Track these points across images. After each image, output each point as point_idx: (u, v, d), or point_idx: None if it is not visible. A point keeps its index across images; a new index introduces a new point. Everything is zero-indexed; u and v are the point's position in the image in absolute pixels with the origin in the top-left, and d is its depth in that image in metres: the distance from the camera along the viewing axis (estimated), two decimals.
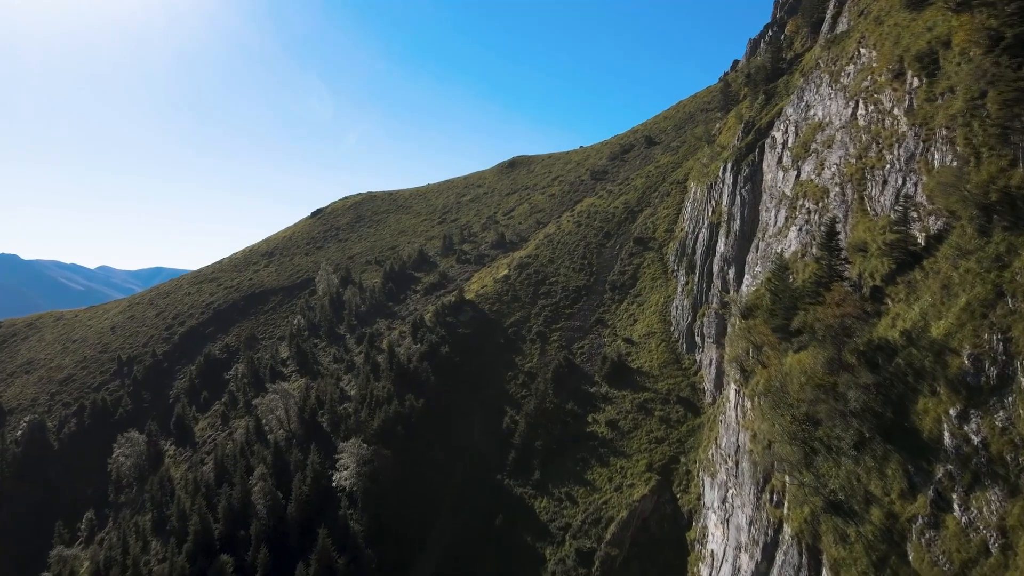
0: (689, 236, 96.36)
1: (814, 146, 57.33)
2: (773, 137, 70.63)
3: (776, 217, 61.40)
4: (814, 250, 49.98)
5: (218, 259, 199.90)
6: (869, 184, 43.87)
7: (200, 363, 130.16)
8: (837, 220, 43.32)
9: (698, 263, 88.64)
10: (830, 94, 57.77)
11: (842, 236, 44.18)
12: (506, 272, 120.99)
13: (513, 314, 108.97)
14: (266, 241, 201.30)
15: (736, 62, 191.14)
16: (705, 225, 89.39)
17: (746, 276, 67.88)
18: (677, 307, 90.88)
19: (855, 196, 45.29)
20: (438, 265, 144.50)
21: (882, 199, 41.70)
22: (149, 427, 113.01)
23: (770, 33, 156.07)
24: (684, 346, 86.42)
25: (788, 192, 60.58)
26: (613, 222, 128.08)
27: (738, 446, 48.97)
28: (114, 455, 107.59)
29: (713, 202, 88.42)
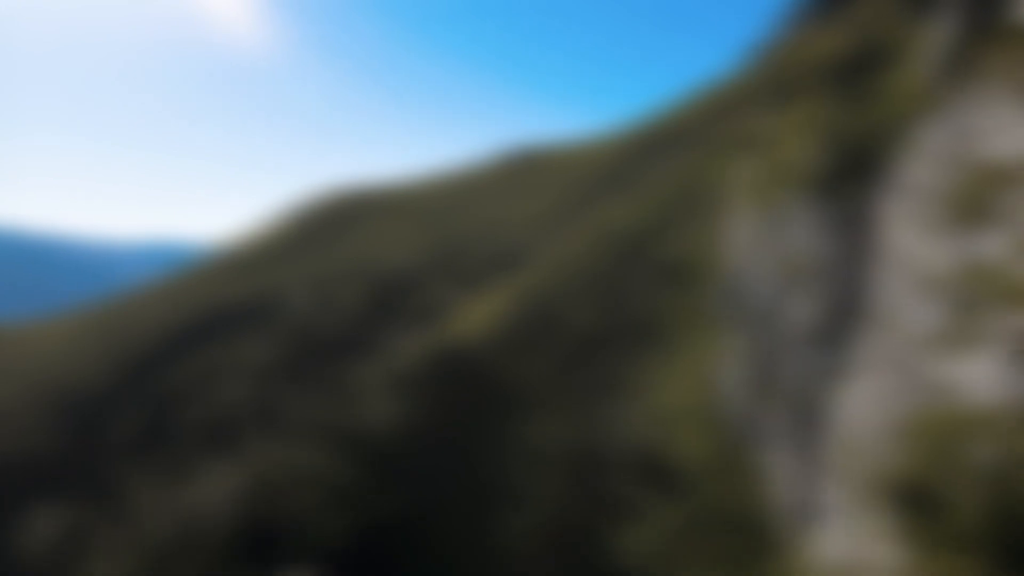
0: (740, 279, 74.66)
1: (1001, 206, 35.36)
2: (897, 173, 48.50)
3: (921, 310, 39.58)
4: None
5: (209, 243, 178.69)
6: None
7: (145, 408, 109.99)
8: None
9: (758, 322, 67.13)
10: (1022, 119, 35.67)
11: None
12: (505, 306, 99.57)
13: (512, 365, 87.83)
14: (235, 248, 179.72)
15: (764, 39, 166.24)
16: (768, 272, 67.66)
17: (863, 386, 46.26)
18: (727, 377, 69.64)
19: None
20: (426, 286, 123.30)
21: None
22: (74, 496, 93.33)
23: (818, 5, 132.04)
24: (740, 435, 65.35)
25: (942, 272, 38.73)
26: (634, 242, 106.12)
27: None
28: (26, 536, 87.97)
29: (779, 241, 66.54)
